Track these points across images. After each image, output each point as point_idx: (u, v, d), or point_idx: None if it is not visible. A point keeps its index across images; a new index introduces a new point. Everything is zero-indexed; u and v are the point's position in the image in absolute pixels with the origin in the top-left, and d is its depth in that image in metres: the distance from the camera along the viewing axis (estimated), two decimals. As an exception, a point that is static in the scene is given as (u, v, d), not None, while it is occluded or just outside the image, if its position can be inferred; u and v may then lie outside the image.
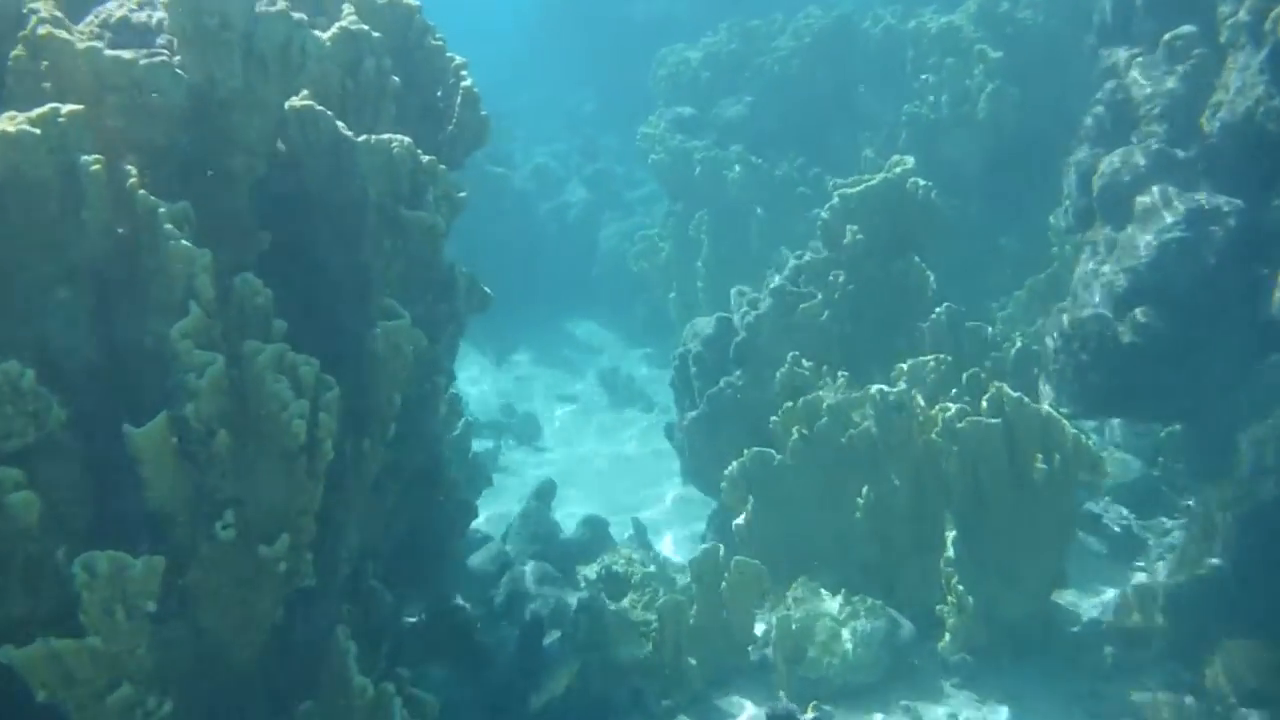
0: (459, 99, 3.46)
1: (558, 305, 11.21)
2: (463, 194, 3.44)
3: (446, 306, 3.55)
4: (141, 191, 2.30)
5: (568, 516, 6.77)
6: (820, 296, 5.20)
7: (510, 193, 11.18)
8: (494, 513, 7.04)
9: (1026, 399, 3.97)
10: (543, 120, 19.21)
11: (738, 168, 7.72)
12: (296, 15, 2.49)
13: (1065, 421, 3.86)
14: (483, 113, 3.57)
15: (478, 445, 8.20)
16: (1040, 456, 3.86)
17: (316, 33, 2.88)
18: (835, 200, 5.16)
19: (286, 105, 2.73)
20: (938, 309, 5.24)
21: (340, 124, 2.81)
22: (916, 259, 5.14)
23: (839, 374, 4.88)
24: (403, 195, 2.91)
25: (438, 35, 3.40)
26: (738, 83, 9.00)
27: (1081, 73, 5.62)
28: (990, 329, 5.46)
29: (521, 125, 18.73)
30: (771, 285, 5.24)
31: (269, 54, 2.36)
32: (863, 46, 8.92)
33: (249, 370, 2.26)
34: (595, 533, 5.82)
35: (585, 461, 8.06)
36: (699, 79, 9.18)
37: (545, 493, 6.11)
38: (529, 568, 5.00)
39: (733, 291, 5.80)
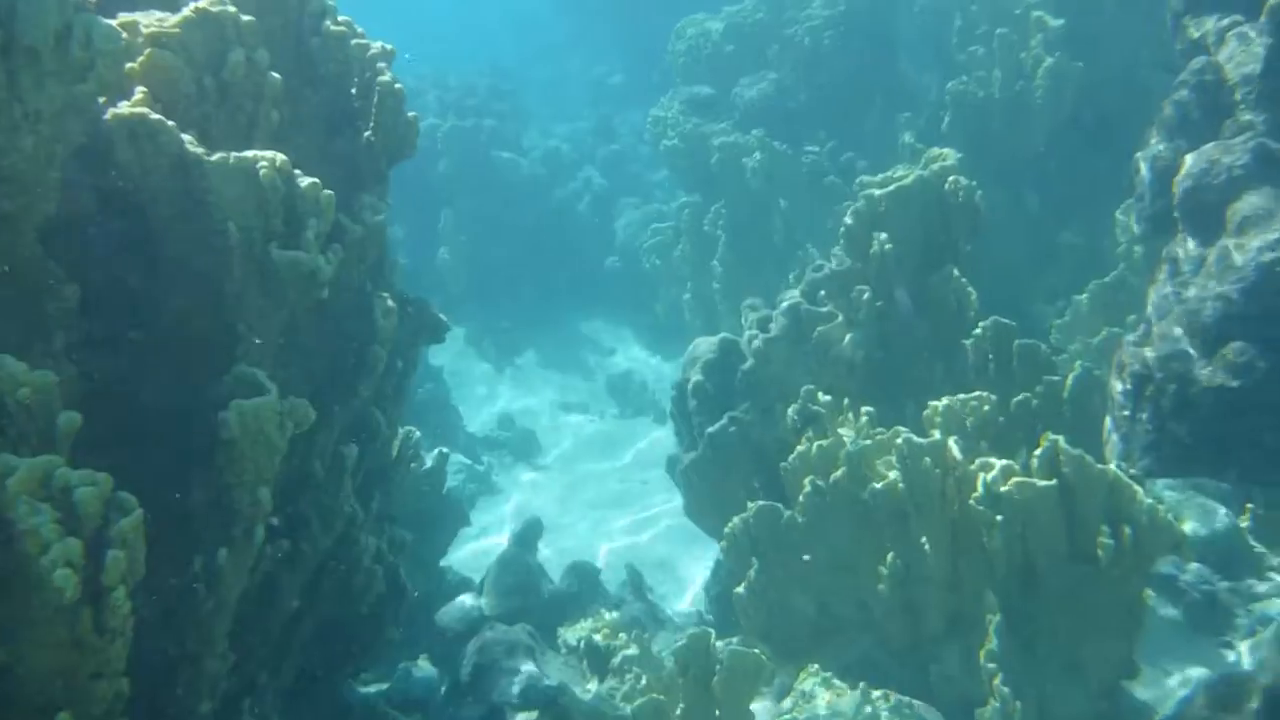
0: (376, 98, 2.87)
1: (569, 300, 10.65)
2: (380, 217, 2.86)
3: (368, 355, 2.97)
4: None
5: (559, 553, 6.23)
6: (842, 316, 4.55)
7: (519, 179, 10.60)
8: (478, 546, 6.54)
9: (1088, 457, 3.31)
10: (567, 93, 18.65)
11: (758, 154, 7.05)
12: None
13: (1138, 487, 3.19)
14: (409, 114, 2.98)
15: (464, 466, 7.70)
16: (1106, 530, 3.21)
17: (160, 14, 2.31)
18: (860, 202, 4.51)
19: (110, 115, 2.16)
20: (983, 323, 4.57)
21: (187, 139, 2.23)
22: (956, 272, 4.46)
23: (862, 411, 4.25)
24: (275, 231, 2.34)
25: (342, 18, 2.81)
26: (764, 57, 8.29)
27: (1159, 45, 4.89)
28: (1044, 348, 4.77)
29: (545, 100, 18.22)
30: (785, 303, 4.60)
31: (41, 49, 1.79)
32: (905, 14, 8.17)
33: (-1, 497, 1.71)
34: (584, 583, 5.26)
35: (586, 482, 7.50)
36: (721, 53, 8.49)
37: (529, 536, 5.56)
38: (498, 635, 4.46)
39: (743, 306, 5.18)
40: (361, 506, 3.50)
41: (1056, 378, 4.50)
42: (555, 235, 10.74)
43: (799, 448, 4.15)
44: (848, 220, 4.54)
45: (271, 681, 2.83)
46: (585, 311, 10.59)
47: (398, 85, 2.86)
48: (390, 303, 2.94)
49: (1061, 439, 3.32)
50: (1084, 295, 5.87)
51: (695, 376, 4.67)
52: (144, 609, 2.30)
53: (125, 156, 2.19)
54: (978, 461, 3.55)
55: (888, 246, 4.45)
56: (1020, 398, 4.34)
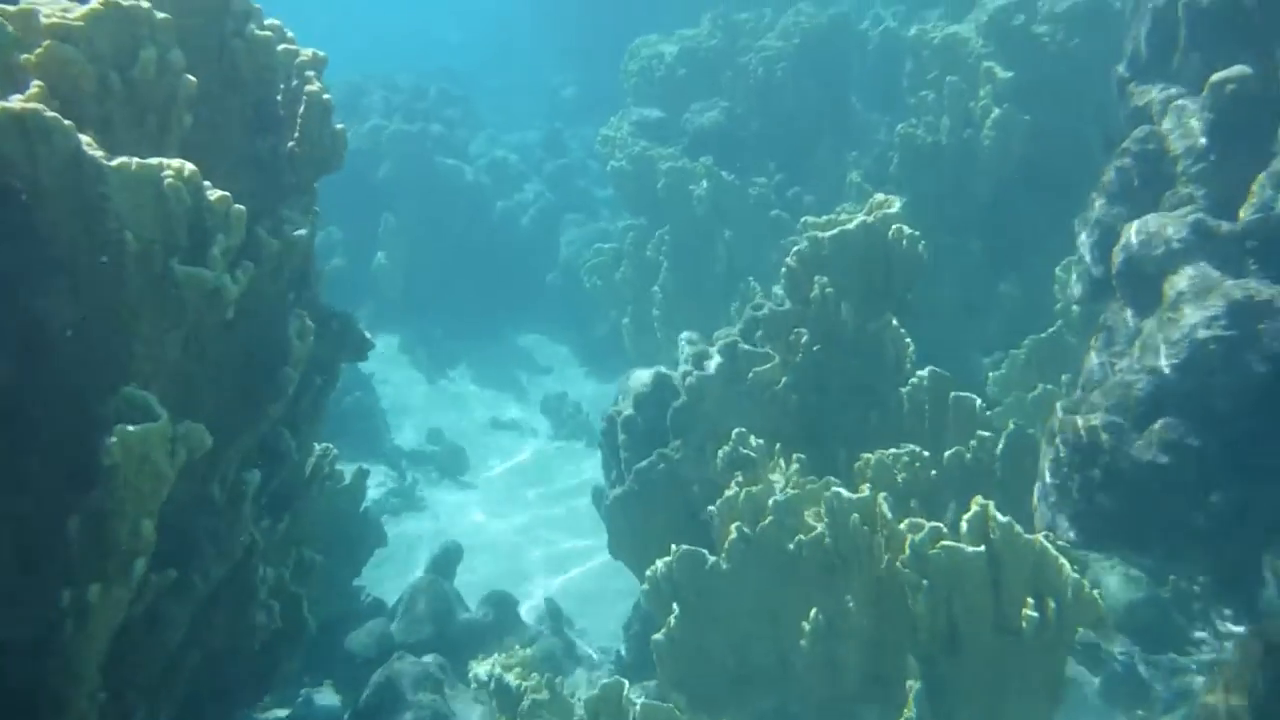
0: (303, 107, 2.72)
1: (508, 314, 10.48)
2: (301, 231, 2.71)
3: (279, 376, 2.80)
4: None
5: (479, 579, 6.06)
6: (778, 358, 4.49)
7: (463, 187, 10.42)
8: (395, 565, 6.33)
9: (1017, 526, 3.27)
10: (520, 102, 18.48)
11: (705, 182, 7.00)
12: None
13: (1064, 561, 3.17)
14: (336, 125, 2.83)
15: (388, 479, 7.49)
16: (1031, 602, 3.17)
17: (65, 4, 2.14)
18: (803, 244, 4.46)
19: (0, 108, 1.99)
20: (920, 373, 4.55)
21: (85, 139, 2.06)
22: (895, 322, 4.43)
23: (794, 457, 4.19)
24: (178, 244, 2.17)
25: (270, 21, 2.66)
26: (717, 84, 8.27)
27: (1106, 104, 4.95)
28: (979, 402, 4.77)
29: (497, 107, 18.03)
30: (721, 341, 4.52)
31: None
32: (859, 52, 8.23)
33: None
34: (500, 614, 5.11)
35: (512, 504, 7.33)
36: (673, 77, 8.45)
37: (447, 561, 5.40)
38: (405, 665, 4.28)
39: (680, 339, 5.08)
40: (268, 529, 3.33)
41: (990, 434, 4.50)
42: (497, 247, 10.57)
43: (727, 492, 4.07)
44: (790, 262, 4.49)
45: (151, 715, 2.64)
46: (523, 327, 10.42)
47: (326, 96, 2.71)
48: (307, 322, 2.78)
49: (991, 505, 3.28)
50: (1021, 350, 5.90)
51: (627, 409, 4.56)
52: (9, 642, 2.12)
53: (13, 152, 2.01)
54: (907, 521, 3.50)
55: (828, 290, 4.40)
56: (952, 452, 4.32)
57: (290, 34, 2.75)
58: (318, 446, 4.35)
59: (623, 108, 8.88)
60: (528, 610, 5.65)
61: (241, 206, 2.19)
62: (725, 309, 6.97)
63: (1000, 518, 3.27)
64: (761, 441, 4.27)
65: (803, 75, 7.77)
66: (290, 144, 2.70)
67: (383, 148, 10.21)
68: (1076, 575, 3.16)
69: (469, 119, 12.63)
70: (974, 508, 3.34)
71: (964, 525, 3.33)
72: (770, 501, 3.89)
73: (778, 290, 4.76)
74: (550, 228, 10.70)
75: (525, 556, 6.54)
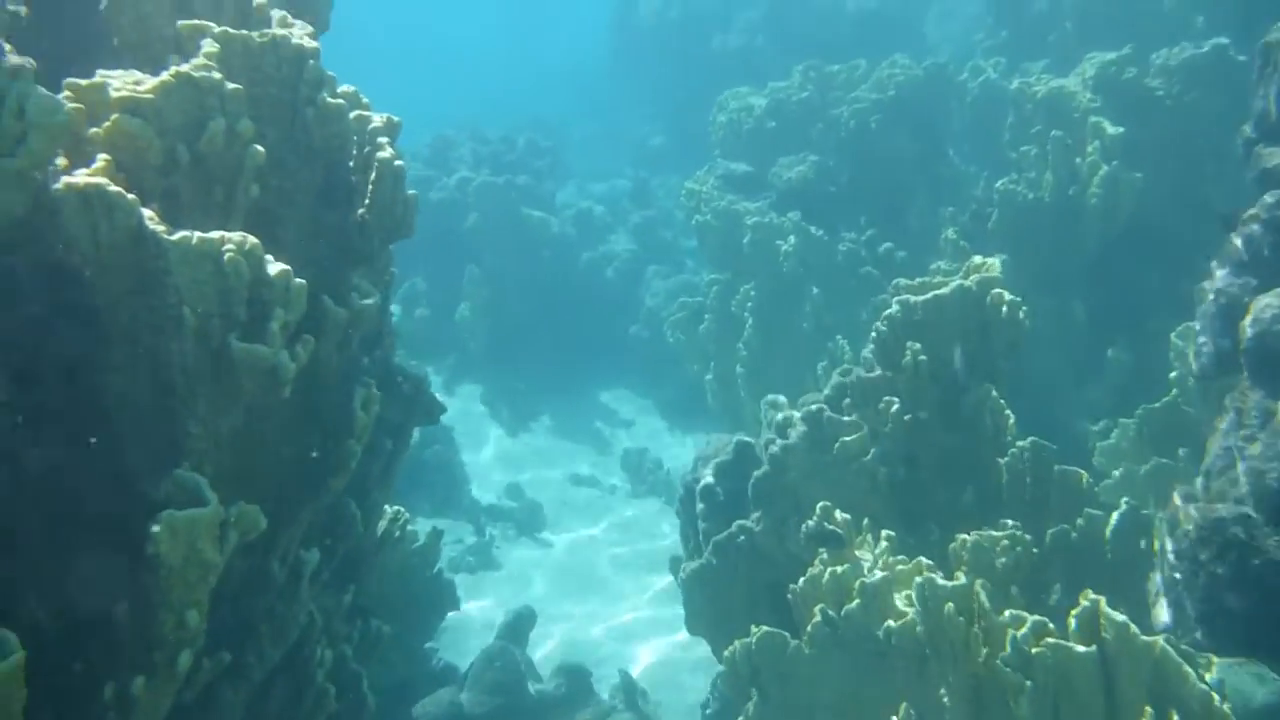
0: (374, 173, 2.67)
1: (591, 367, 10.43)
2: (369, 300, 2.65)
3: (343, 449, 2.73)
4: None
5: (553, 644, 5.92)
6: (866, 429, 4.27)
7: (548, 239, 10.47)
8: (469, 626, 6.23)
9: (1134, 626, 2.98)
10: (606, 153, 18.67)
11: (793, 238, 6.84)
12: (13, 60, 1.71)
13: (1189, 668, 2.86)
14: (409, 192, 2.77)
15: (465, 536, 7.43)
16: (1150, 712, 2.87)
17: (138, 75, 2.12)
18: (895, 308, 4.25)
19: (63, 184, 1.96)
20: (1020, 443, 4.27)
21: (148, 213, 2.03)
22: (994, 393, 4.18)
23: (883, 535, 3.95)
24: (236, 319, 2.12)
25: (345, 88, 2.62)
26: (806, 138, 8.13)
27: (1226, 165, 4.65)
28: (1085, 477, 4.45)
29: (585, 156, 18.24)
30: (806, 408, 4.32)
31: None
32: (956, 104, 8.01)
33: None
34: (573, 685, 4.96)
35: (591, 567, 7.18)
36: (762, 129, 8.34)
37: (519, 627, 5.27)
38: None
39: (764, 403, 4.90)
40: (333, 602, 3.26)
41: (1098, 512, 4.19)
42: (581, 299, 10.56)
43: (811, 570, 3.86)
44: (880, 326, 4.28)
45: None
46: (606, 380, 10.35)
47: (398, 163, 2.66)
48: (373, 391, 2.71)
49: (1104, 601, 3.00)
50: (1132, 421, 5.54)
51: (706, 478, 4.39)
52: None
53: (76, 228, 1.99)
54: (1007, 614, 3.23)
55: (921, 358, 4.18)
56: (1057, 530, 4.04)
57: (365, 99, 2.71)
58: (389, 509, 4.30)
59: (710, 160, 8.81)
60: (601, 681, 5.48)
61: (302, 280, 2.13)
62: (812, 368, 6.76)
63: (1114, 615, 2.98)
64: (848, 517, 4.04)
65: (897, 127, 7.57)
66: (361, 211, 2.64)
67: (470, 199, 10.34)
68: (1204, 686, 2.85)
69: (556, 169, 12.74)
70: (1084, 602, 3.06)
71: (1072, 621, 3.06)
72: (857, 583, 3.67)
73: (867, 354, 4.55)
74: (635, 280, 10.66)
75: (601, 623, 6.37)
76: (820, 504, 4.00)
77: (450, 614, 5.45)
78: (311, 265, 2.61)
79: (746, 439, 4.43)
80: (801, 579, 3.84)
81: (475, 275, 9.80)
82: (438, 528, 5.25)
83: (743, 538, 4.24)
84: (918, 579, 3.42)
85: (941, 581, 3.35)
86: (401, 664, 5.12)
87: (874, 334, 4.34)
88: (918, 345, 4.20)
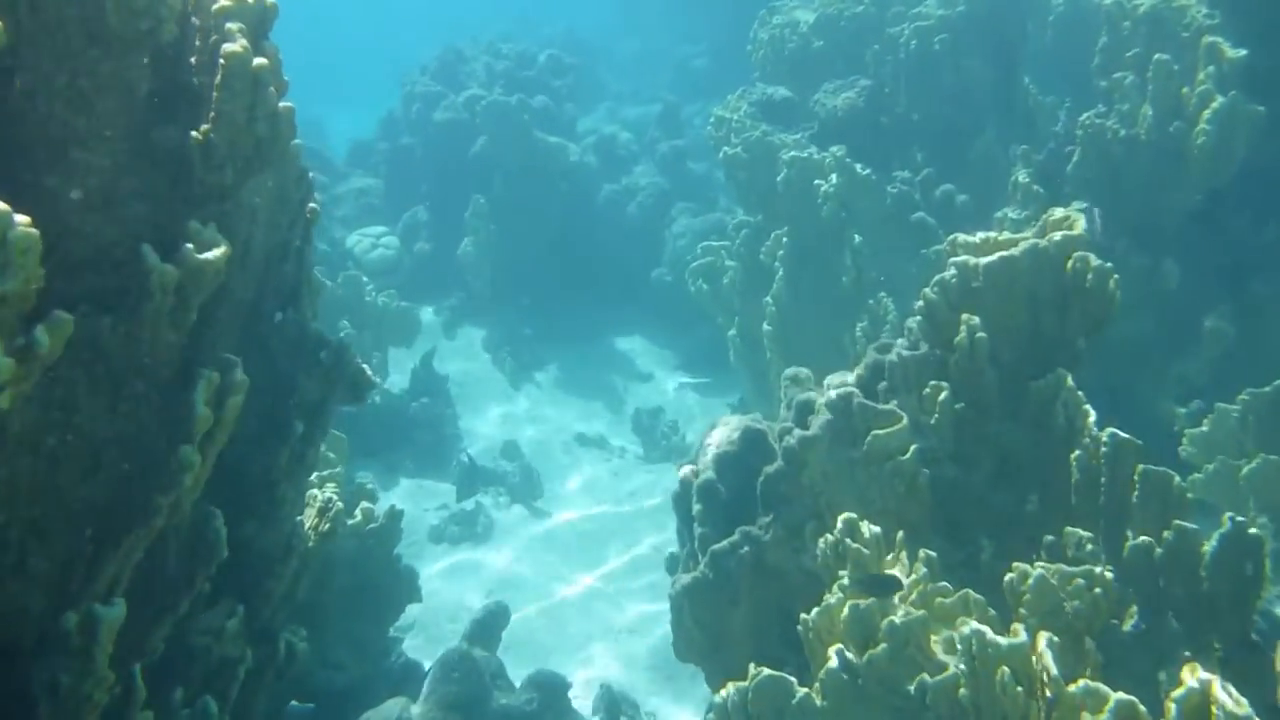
0: (219, 75, 1.99)
1: (607, 314, 9.76)
2: (214, 253, 2.00)
3: (174, 457, 2.10)
4: None
5: (525, 645, 5.36)
6: (907, 419, 3.57)
7: (564, 168, 9.72)
8: (445, 610, 5.69)
9: (1244, 706, 2.30)
10: (647, 75, 17.75)
11: (835, 177, 6.05)
12: None
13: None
14: (278, 104, 2.09)
15: (448, 503, 6.87)
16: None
17: None
18: (951, 271, 3.52)
19: None
20: (1099, 433, 3.55)
21: None
22: (1070, 381, 3.45)
23: (922, 554, 3.28)
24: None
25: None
26: (859, 60, 7.27)
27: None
28: (1178, 482, 3.72)
29: (624, 77, 17.33)
30: (833, 391, 3.63)
31: None
32: (1037, 23, 7.09)
33: None
34: (547, 698, 4.39)
35: (586, 546, 6.59)
36: (807, 50, 7.48)
37: (490, 625, 4.70)
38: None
39: (783, 378, 4.21)
40: (208, 636, 2.68)
41: (1192, 526, 3.47)
42: (599, 236, 9.85)
43: (826, 598, 3.22)
44: (931, 293, 3.56)
45: None
46: (623, 328, 9.69)
47: (258, 60, 1.97)
48: (234, 376, 2.06)
49: (1216, 684, 2.32)
50: (1234, 406, 4.79)
51: (706, 472, 3.73)
52: None
53: None
54: (1081, 685, 2.56)
55: (979, 335, 3.45)
56: (1139, 542, 3.34)
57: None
58: (320, 495, 3.71)
59: (748, 84, 7.98)
60: (582, 687, 4.92)
61: (27, 229, 1.46)
62: (850, 329, 6.04)
63: (1231, 700, 2.30)
64: (878, 530, 3.37)
65: (966, 49, 6.69)
66: (206, 128, 1.97)
67: (478, 121, 9.60)
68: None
69: (581, 91, 11.91)
70: (1190, 681, 2.38)
71: (1172, 707, 2.38)
72: (885, 622, 3.01)
73: (912, 325, 3.82)
74: (659, 217, 9.90)
75: (589, 616, 5.80)
76: (843, 516, 3.34)
77: (416, 603, 4.91)
78: (143, 201, 1.95)
79: (756, 425, 3.75)
80: (815, 609, 3.20)
81: (480, 207, 9.11)
82: (396, 507, 4.65)
83: (747, 548, 3.59)
84: (965, 630, 2.75)
85: (995, 638, 2.68)
86: (353, 663, 4.60)
87: (922, 302, 3.62)
88: (976, 319, 3.47)
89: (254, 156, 2.05)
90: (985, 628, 2.72)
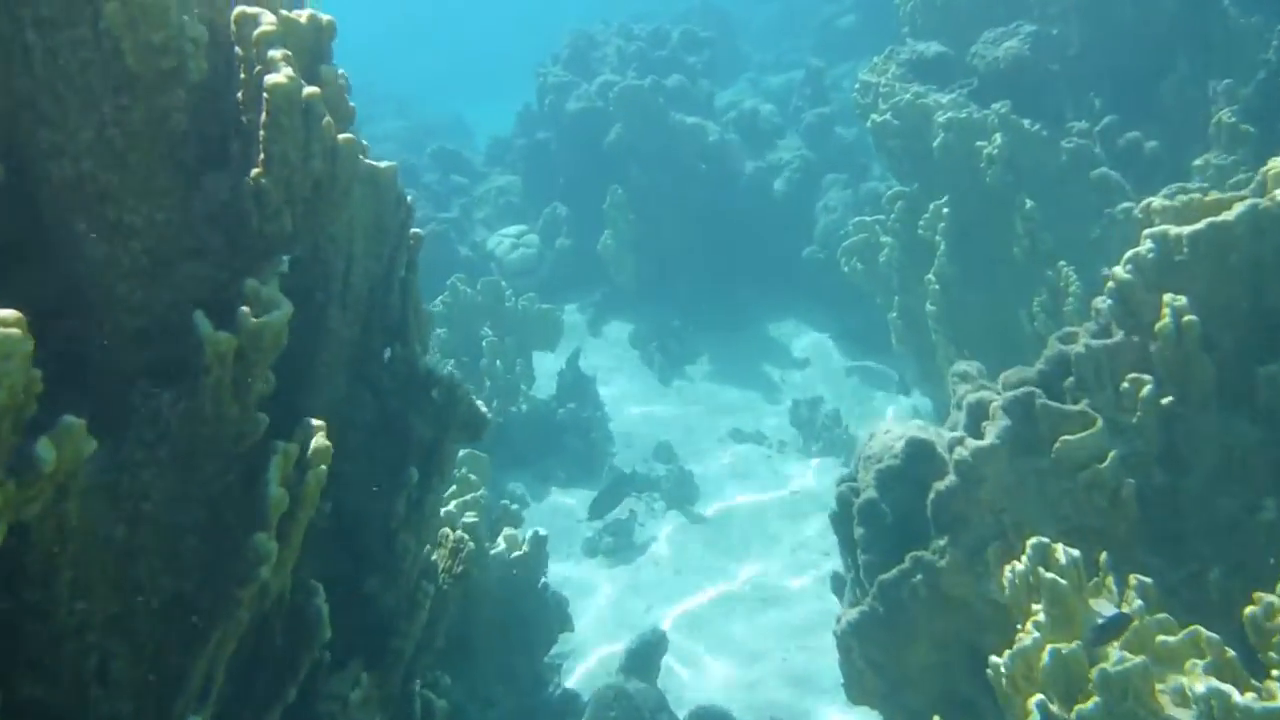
0: (264, 113, 1.79)
1: (758, 298, 9.40)
2: (276, 314, 1.82)
3: (245, 551, 1.92)
4: None
5: (693, 668, 5.10)
6: (1102, 421, 3.10)
7: (704, 149, 9.38)
8: (604, 631, 5.51)
9: None
10: (789, 39, 17.15)
11: (999, 136, 5.49)
12: None
13: None
14: (339, 136, 1.87)
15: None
16: None
17: None
18: (1147, 245, 3.02)
19: None
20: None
21: None
22: (1311, 369, 2.90)
23: (1133, 580, 2.83)
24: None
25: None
26: (1023, 3, 6.61)
27: None
28: None
29: (767, 44, 16.81)
30: (1010, 393, 3.19)
31: None
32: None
33: None
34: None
35: (748, 551, 6.29)
36: (961, -4, 6.86)
37: (646, 656, 4.48)
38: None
39: (951, 374, 3.78)
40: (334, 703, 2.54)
41: None
42: (745, 218, 9.47)
43: (1020, 640, 2.80)
44: (1123, 273, 3.07)
45: None
46: (776, 312, 9.29)
47: (308, 90, 1.75)
48: (293, 451, 1.87)
49: None
50: None
51: (867, 491, 3.36)
52: None
53: None
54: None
55: (1188, 319, 2.94)
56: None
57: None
58: (452, 534, 3.56)
59: (896, 42, 7.43)
60: (751, 712, 4.64)
61: (13, 332, 1.26)
62: (1026, 305, 5.48)
63: None
64: (1076, 553, 2.92)
65: (1148, -25, 5.96)
66: (256, 173, 1.76)
67: (611, 108, 9.37)
68: None
69: (719, 64, 11.51)
70: None
71: None
72: (1097, 670, 2.58)
73: (1100, 305, 3.32)
74: (809, 191, 9.43)
75: (755, 629, 5.49)
76: (1032, 540, 2.90)
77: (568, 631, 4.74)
78: (198, 259, 1.78)
79: (921, 435, 3.34)
80: (1006, 652, 2.79)
81: (618, 197, 8.88)
82: (540, 532, 4.48)
83: (920, 576, 3.21)
84: (1200, 688, 2.31)
85: (1244, 700, 2.23)
86: (507, 697, 4.48)
87: (1113, 284, 3.13)
88: (1182, 300, 2.97)
89: (314, 198, 1.84)
90: (1228, 688, 2.27)
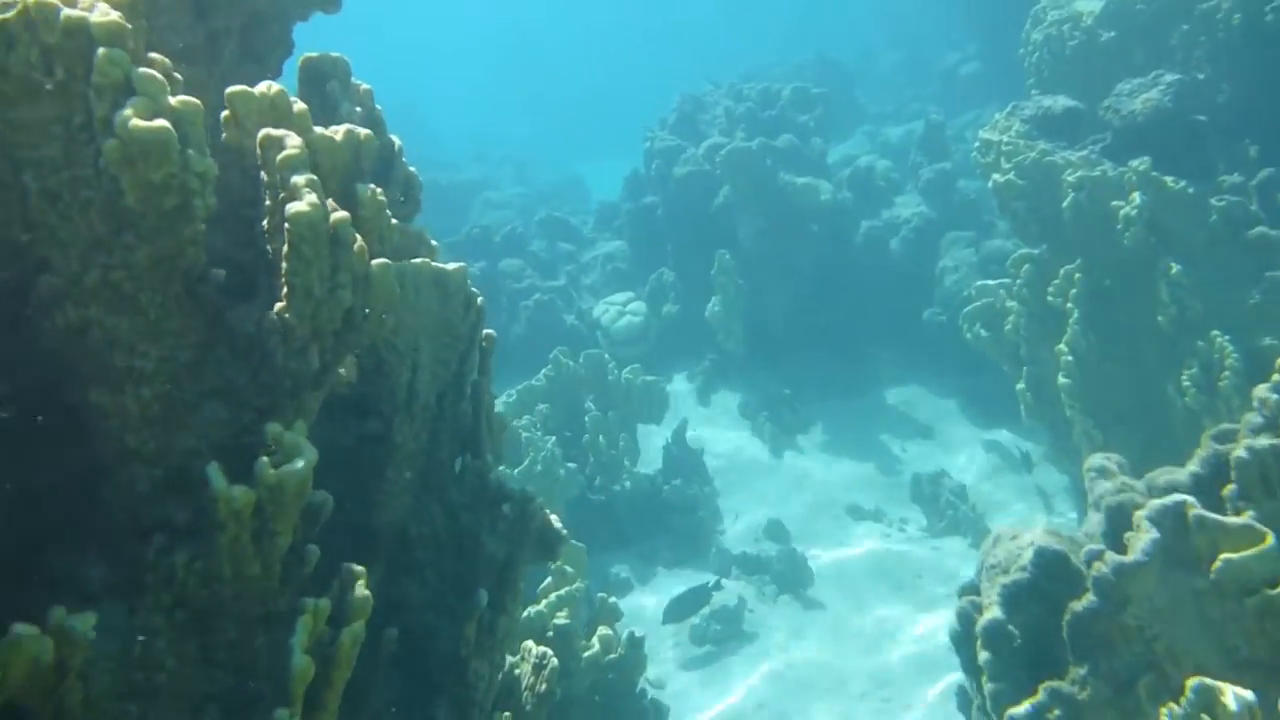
0: (285, 243, 1.64)
1: (875, 364, 9.02)
2: (298, 464, 1.65)
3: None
4: None
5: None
6: (1273, 537, 2.70)
7: (815, 209, 9.11)
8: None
9: None
10: (910, 88, 16.83)
11: (1139, 196, 5.07)
12: None
13: None
14: (372, 261, 1.72)
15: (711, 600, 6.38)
16: None
17: None
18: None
19: None
20: None
21: None
22: None
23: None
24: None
25: (176, 100, 1.59)
26: (1163, 48, 6.20)
27: None
28: None
29: (881, 97, 16.50)
30: (1158, 502, 2.81)
31: None
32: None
33: None
34: None
35: (866, 637, 5.89)
36: (1093, 45, 6.49)
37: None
38: None
39: (1087, 470, 3.40)
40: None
41: None
42: (860, 280, 9.15)
43: (1177, 804, 2.41)
44: (1294, 367, 2.68)
45: None
46: (895, 378, 8.90)
47: (336, 215, 1.59)
48: (324, 608, 1.69)
49: None
50: None
51: (992, 610, 3.01)
52: None
53: None
54: None
55: (1378, 420, 2.54)
56: None
57: (287, 99, 1.66)
58: (535, 649, 3.37)
59: (1020, 95, 7.06)
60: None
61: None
62: (1174, 379, 5.02)
63: None
64: (1250, 696, 2.51)
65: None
66: (280, 307, 1.61)
67: (719, 171, 9.21)
68: None
69: (833, 118, 11.24)
70: None
71: None
72: None
73: (1265, 395, 2.92)
74: (928, 250, 9.04)
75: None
76: (1192, 681, 2.51)
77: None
78: (219, 401, 1.63)
79: (1053, 545, 2.98)
80: (1160, 816, 2.41)
81: (726, 262, 8.68)
82: (635, 633, 4.23)
83: (1058, 712, 2.83)
84: None
85: None
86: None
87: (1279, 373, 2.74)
88: (1368, 397, 2.56)
89: (344, 330, 1.68)
90: None
